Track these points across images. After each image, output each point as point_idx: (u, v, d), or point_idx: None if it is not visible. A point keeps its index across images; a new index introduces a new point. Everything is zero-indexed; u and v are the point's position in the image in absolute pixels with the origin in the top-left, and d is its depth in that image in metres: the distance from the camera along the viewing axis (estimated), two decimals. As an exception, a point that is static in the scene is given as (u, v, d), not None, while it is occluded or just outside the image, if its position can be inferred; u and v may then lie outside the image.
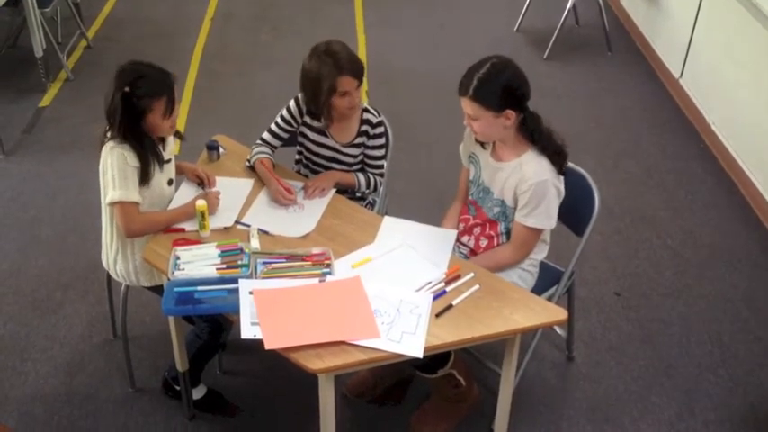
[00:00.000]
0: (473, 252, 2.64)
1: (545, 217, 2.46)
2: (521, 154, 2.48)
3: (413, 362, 2.18)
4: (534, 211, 2.45)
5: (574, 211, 2.63)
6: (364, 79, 2.74)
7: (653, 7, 5.27)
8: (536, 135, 2.45)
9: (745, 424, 2.80)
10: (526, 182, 2.43)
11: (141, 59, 2.50)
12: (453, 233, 2.61)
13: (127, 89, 2.39)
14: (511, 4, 5.85)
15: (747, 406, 2.87)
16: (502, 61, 2.42)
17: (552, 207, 2.47)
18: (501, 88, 2.37)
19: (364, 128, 2.82)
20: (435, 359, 2.51)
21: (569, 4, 5.26)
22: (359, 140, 2.84)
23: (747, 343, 3.14)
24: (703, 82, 4.53)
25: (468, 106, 2.42)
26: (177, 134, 2.69)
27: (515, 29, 5.65)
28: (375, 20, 5.84)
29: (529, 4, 5.58)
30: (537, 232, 2.52)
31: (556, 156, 2.45)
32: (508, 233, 2.57)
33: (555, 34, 5.26)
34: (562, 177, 2.48)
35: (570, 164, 2.57)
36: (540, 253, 2.63)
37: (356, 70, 2.65)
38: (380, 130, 2.85)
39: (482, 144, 2.60)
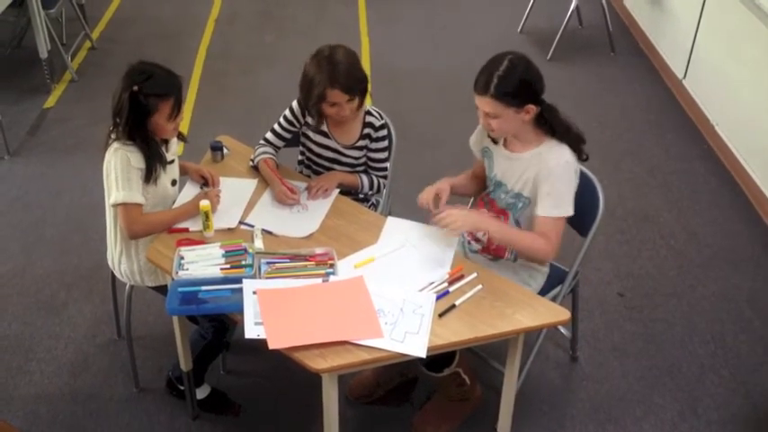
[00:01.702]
0: (486, 248, 2.64)
1: (567, 202, 2.41)
2: (538, 144, 2.47)
3: (419, 360, 2.18)
4: (558, 198, 2.39)
5: (578, 212, 2.61)
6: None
7: (656, 8, 5.27)
8: (555, 126, 2.45)
9: (748, 424, 2.80)
10: (549, 166, 2.40)
11: (149, 60, 2.51)
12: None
13: (135, 88, 2.40)
14: (514, 5, 5.84)
15: (750, 406, 2.87)
16: (518, 56, 2.41)
17: (573, 191, 2.44)
18: (521, 84, 2.37)
19: (367, 131, 2.82)
20: (441, 358, 2.51)
21: (573, 6, 5.27)
22: (361, 143, 2.84)
23: (750, 343, 3.13)
24: (706, 82, 4.53)
25: (487, 105, 2.39)
26: (180, 136, 2.70)
27: (519, 30, 5.65)
28: (378, 20, 5.85)
29: (532, 5, 5.58)
30: (563, 222, 2.45)
31: (575, 142, 2.46)
32: (517, 224, 2.56)
33: (558, 35, 5.26)
34: (578, 167, 2.48)
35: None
36: None
37: (350, 85, 2.62)
38: (383, 132, 2.85)
39: (493, 139, 2.60)
